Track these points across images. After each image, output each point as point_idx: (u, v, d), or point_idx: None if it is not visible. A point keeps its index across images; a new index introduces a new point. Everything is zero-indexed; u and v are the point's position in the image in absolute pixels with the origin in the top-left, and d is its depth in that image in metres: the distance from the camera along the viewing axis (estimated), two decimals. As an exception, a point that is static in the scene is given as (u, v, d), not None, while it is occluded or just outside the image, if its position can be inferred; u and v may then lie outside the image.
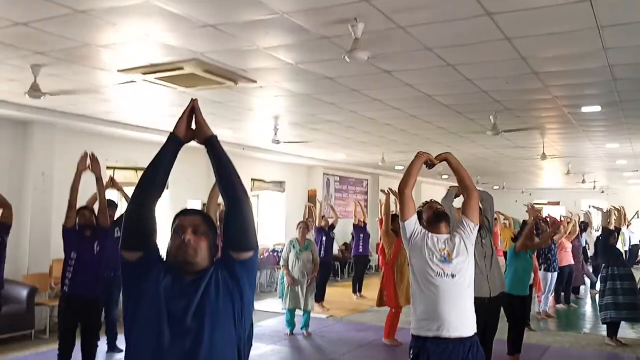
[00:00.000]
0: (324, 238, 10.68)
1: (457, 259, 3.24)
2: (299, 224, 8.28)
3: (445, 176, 17.93)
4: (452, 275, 3.20)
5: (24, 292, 7.27)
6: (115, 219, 6.37)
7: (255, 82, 5.94)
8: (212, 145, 2.10)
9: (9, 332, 6.95)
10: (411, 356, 3.26)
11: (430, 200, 3.84)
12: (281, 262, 8.05)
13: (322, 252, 10.16)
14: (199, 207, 10.50)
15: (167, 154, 2.10)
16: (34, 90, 5.54)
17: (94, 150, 9.01)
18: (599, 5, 3.75)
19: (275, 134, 8.84)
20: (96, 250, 5.09)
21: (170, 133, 2.11)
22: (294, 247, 7.95)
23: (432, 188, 22.19)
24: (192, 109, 2.16)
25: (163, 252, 2.09)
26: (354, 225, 12.49)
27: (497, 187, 24.51)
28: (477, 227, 3.44)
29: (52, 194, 8.16)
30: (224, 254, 2.05)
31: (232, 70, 5.48)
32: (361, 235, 11.80)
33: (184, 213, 2.12)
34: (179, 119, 2.12)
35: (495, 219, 19.15)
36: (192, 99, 2.17)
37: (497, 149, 11.78)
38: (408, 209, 3.34)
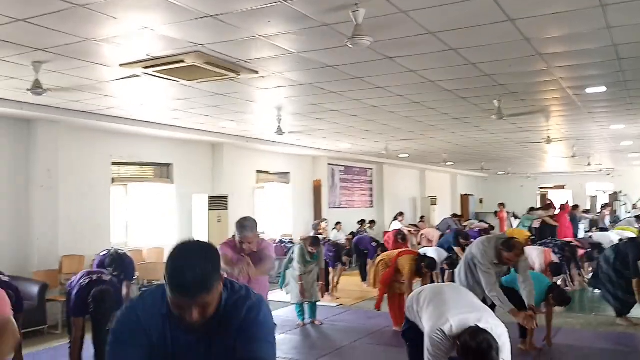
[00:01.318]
0: (331, 252, 10.43)
1: None
2: (307, 239, 7.97)
3: (449, 163, 17.90)
4: None
5: (35, 289, 7.31)
6: None
7: (257, 72, 5.92)
8: None
9: (22, 328, 6.97)
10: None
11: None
12: (297, 272, 7.66)
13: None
14: (205, 201, 10.53)
15: None
16: (36, 88, 5.53)
17: (98, 146, 9.10)
18: (603, -18, 3.71)
19: (279, 124, 8.82)
20: None
21: None
22: (303, 256, 7.76)
23: (437, 176, 22.19)
24: None
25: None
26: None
27: (502, 173, 24.50)
28: None
29: (58, 190, 8.19)
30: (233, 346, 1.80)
31: (234, 61, 5.45)
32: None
33: (184, 293, 1.67)
34: None
35: (502, 204, 19.11)
36: None
37: (501, 134, 11.73)
38: None
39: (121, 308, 1.87)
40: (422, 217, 18.31)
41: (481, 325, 3.03)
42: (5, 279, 5.12)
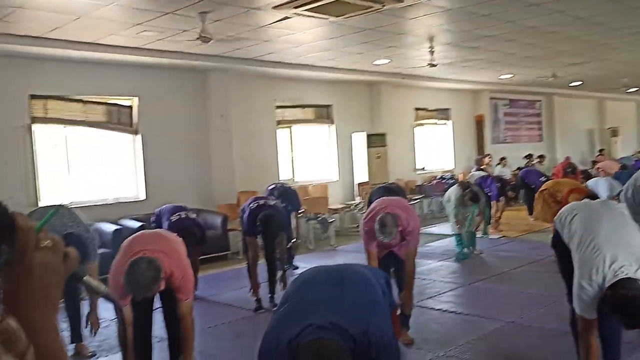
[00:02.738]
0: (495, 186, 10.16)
1: None
2: (465, 187, 7.73)
3: (633, 89, 16.14)
4: None
5: (218, 220, 8.35)
6: None
7: (402, 1, 5.95)
8: None
9: (209, 253, 8.06)
10: None
11: None
12: (453, 217, 7.63)
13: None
14: (363, 139, 10.92)
15: None
16: (203, 36, 6.18)
17: (264, 91, 9.85)
18: None
19: (432, 56, 8.74)
20: None
21: None
22: (459, 206, 7.69)
23: (618, 105, 20.15)
24: None
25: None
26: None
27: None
28: None
29: (231, 133, 9.10)
30: None
31: (377, -9, 5.56)
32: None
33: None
34: None
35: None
36: None
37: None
38: None
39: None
40: (600, 150, 16.93)
41: None
42: (193, 216, 5.95)
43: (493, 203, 9.80)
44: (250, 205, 5.80)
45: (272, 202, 5.92)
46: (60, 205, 4.59)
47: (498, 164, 13.40)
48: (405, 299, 4.38)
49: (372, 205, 4.60)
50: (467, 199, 7.50)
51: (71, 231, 4.07)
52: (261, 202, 5.83)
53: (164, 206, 6.33)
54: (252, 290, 5.77)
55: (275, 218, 5.63)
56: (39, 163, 7.42)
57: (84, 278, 0.87)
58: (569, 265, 3.15)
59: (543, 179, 11.03)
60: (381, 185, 7.75)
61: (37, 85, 7.33)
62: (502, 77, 12.62)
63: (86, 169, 8.07)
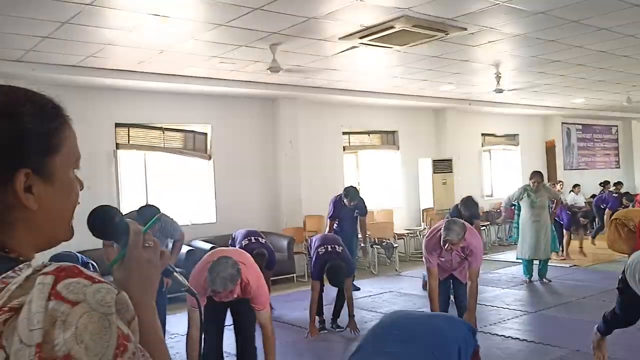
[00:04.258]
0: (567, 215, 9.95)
1: None
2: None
3: None
4: None
5: (284, 243, 8.60)
6: None
7: (466, 29, 6.06)
8: None
9: (275, 275, 8.29)
10: None
11: None
12: (505, 202, 7.95)
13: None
14: (429, 165, 10.95)
15: None
16: (273, 67, 6.52)
17: (330, 118, 10.12)
18: None
19: (498, 82, 8.74)
20: None
21: None
22: (528, 195, 7.75)
23: None
24: None
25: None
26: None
27: None
28: None
29: (299, 159, 9.39)
30: None
31: (441, 20, 5.70)
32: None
33: None
34: None
35: None
36: None
37: None
38: None
39: None
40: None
41: None
42: (263, 240, 6.23)
43: (564, 232, 9.57)
44: (319, 250, 5.81)
45: (339, 249, 5.83)
46: (161, 213, 5.11)
47: (571, 191, 13.01)
48: (470, 318, 4.42)
49: (436, 224, 4.78)
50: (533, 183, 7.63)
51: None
52: (329, 248, 5.79)
53: (238, 231, 6.66)
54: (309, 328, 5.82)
55: (343, 269, 5.61)
56: (122, 186, 7.97)
57: (174, 273, 1.08)
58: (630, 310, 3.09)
59: (623, 207, 10.62)
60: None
61: (121, 114, 7.94)
62: (573, 101, 12.34)
63: (163, 192, 8.56)
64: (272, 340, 3.77)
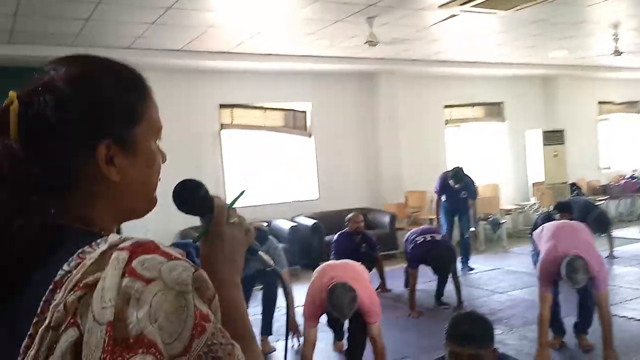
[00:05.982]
0: None
1: None
2: None
3: None
4: None
5: (386, 219, 8.53)
6: None
7: (578, -13, 5.58)
8: None
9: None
10: None
11: None
12: None
13: None
14: (539, 137, 10.34)
15: None
16: (371, 40, 6.39)
17: (431, 91, 9.84)
18: None
19: (616, 43, 8.00)
20: None
21: None
22: None
23: None
24: None
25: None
26: None
27: None
28: None
29: (399, 134, 9.22)
30: None
31: (550, -21, 5.29)
32: None
33: (461, 343, 2.30)
34: None
35: None
36: None
37: None
38: None
39: None
40: None
41: None
42: (438, 237, 5.77)
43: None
44: (416, 239, 5.74)
45: (438, 237, 5.73)
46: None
47: None
48: (608, 356, 4.04)
49: (551, 241, 4.04)
50: None
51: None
52: (428, 237, 5.69)
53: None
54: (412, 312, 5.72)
55: (445, 258, 5.52)
56: (226, 165, 8.26)
57: (259, 252, 1.04)
58: None
59: None
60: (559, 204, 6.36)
61: (225, 96, 8.17)
62: None
63: (266, 169, 8.77)
64: (383, 354, 3.76)
